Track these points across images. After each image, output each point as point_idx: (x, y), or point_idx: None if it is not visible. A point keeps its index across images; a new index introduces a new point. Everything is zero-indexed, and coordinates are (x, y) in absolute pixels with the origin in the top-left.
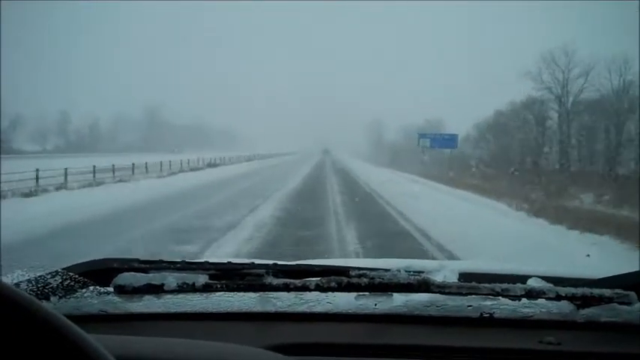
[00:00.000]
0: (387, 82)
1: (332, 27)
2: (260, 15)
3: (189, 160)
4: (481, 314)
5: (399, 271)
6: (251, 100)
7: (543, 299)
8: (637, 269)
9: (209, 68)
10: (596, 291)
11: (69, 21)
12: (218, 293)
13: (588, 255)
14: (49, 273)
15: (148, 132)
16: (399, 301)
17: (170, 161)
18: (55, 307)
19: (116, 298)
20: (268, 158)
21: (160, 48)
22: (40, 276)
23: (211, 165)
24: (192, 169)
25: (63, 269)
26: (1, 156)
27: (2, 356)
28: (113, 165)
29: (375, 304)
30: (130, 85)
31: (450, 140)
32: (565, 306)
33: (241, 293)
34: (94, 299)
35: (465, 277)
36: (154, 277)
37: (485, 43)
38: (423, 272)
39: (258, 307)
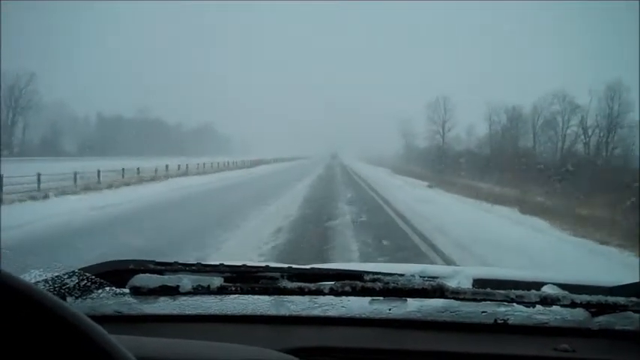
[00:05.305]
0: (411, 81)
1: (341, 29)
2: (269, 15)
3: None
4: (495, 320)
5: (413, 276)
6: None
7: (558, 306)
8: None
9: (207, 69)
10: (611, 299)
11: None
12: (233, 296)
13: None
14: (66, 273)
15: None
16: (413, 306)
17: None
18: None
19: (132, 300)
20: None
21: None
22: (56, 276)
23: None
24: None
25: (79, 270)
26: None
27: (27, 353)
28: None
29: (390, 309)
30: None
31: None
32: (580, 313)
33: (256, 296)
34: (110, 300)
35: (479, 283)
36: (169, 279)
37: None
38: (437, 278)
39: (272, 311)
